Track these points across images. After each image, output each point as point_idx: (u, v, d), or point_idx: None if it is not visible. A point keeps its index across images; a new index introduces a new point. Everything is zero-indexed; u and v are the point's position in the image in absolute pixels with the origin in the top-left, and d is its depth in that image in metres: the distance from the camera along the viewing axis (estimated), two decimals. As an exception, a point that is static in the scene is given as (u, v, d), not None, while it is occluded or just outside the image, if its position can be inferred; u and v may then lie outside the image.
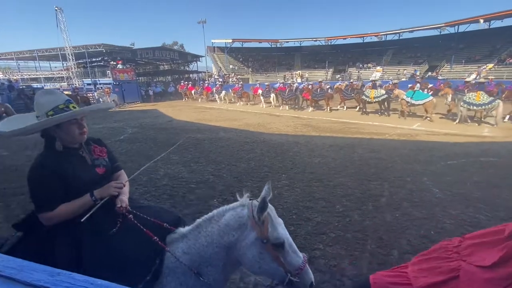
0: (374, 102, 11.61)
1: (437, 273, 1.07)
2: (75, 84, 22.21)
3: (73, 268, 1.06)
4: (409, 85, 16.23)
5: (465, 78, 16.16)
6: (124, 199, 1.35)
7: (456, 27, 28.28)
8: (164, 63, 37.13)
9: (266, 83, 18.06)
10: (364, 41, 35.18)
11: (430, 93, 10.81)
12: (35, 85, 24.61)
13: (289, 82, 17.73)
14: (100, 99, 17.22)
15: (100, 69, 23.23)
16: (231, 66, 36.36)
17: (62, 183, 1.22)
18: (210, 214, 1.33)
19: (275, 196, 3.96)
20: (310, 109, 13.79)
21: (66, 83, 24.76)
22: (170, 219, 1.42)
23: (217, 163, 5.51)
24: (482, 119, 9.00)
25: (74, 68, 23.94)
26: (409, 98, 10.29)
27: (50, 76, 30.21)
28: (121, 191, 1.36)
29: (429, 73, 26.17)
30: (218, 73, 34.78)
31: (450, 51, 27.67)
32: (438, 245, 1.15)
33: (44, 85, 25.13)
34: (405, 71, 27.40)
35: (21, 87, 17.03)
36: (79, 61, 26.36)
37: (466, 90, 9.82)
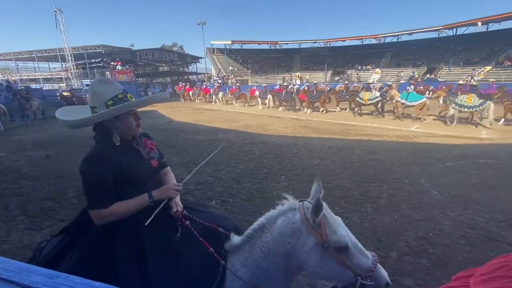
0: (368, 104, 11.77)
1: None
2: (74, 85, 22.20)
3: (138, 281, 1.04)
4: (408, 87, 16.34)
5: (464, 80, 16.30)
6: (179, 202, 1.28)
7: (455, 29, 28.48)
8: (164, 65, 37.17)
9: (263, 85, 18.23)
10: (363, 43, 35.35)
11: (431, 95, 10.88)
12: (33, 85, 24.56)
13: (285, 84, 17.85)
14: None
15: (99, 70, 23.26)
16: (230, 68, 36.43)
17: (118, 178, 1.15)
18: (259, 222, 1.22)
19: (274, 198, 3.96)
20: (307, 110, 13.93)
21: (65, 84, 24.72)
22: (228, 226, 1.33)
23: (216, 164, 5.50)
24: (480, 121, 9.06)
25: (73, 69, 23.93)
26: (404, 99, 10.48)
27: (49, 77, 30.18)
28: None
29: (428, 75, 26.30)
30: (218, 74, 34.84)
31: (448, 54, 27.84)
32: (497, 262, 1.05)
33: (43, 85, 25.08)
34: (401, 73, 27.56)
35: (19, 88, 16.99)
36: (78, 62, 26.37)
37: (459, 93, 9.95)
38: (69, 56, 22.76)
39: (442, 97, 10.33)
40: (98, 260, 1.10)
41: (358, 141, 7.42)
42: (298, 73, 33.55)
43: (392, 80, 23.62)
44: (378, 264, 1.13)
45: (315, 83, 16.44)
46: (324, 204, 1.13)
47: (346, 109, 13.62)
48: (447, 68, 26.32)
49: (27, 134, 9.47)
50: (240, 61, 38.57)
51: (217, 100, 19.75)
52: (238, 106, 17.86)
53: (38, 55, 28.11)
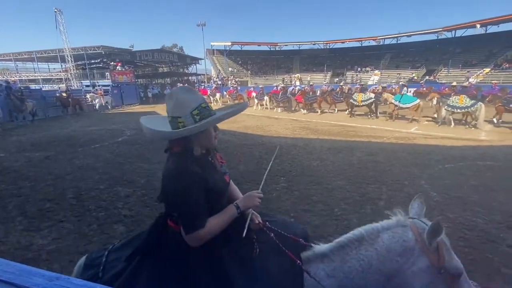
0: (362, 105, 11.91)
1: None
2: (74, 86, 22.17)
3: None
4: (413, 89, 16.52)
5: (462, 82, 16.40)
6: (255, 212, 1.21)
7: (453, 32, 28.63)
8: (163, 66, 37.19)
9: (260, 86, 18.49)
10: (362, 45, 35.46)
11: (433, 98, 10.99)
12: (33, 86, 24.53)
13: (282, 85, 18.07)
14: (93, 101, 17.15)
15: (99, 71, 23.23)
16: (230, 69, 36.48)
17: (205, 193, 1.07)
18: (356, 233, 1.14)
19: (273, 198, 3.96)
20: (304, 111, 14.07)
21: (64, 85, 24.72)
22: (299, 233, 1.25)
23: (216, 165, 5.50)
24: (475, 121, 9.15)
25: (73, 69, 23.92)
26: (397, 101, 10.67)
27: (48, 77, 30.14)
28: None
29: (427, 77, 26.39)
30: (217, 75, 34.89)
31: (447, 56, 27.97)
32: None
33: (43, 86, 25.05)
34: (399, 75, 27.72)
35: (19, 88, 16.96)
36: (78, 62, 26.32)
37: (452, 94, 10.11)
38: (69, 56, 22.74)
39: (435, 99, 10.52)
40: (174, 279, 1.05)
41: (358, 142, 7.43)
42: (297, 74, 33.63)
43: (394, 81, 23.78)
44: None
45: (311, 85, 16.73)
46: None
47: (345, 111, 13.69)
48: (446, 70, 26.42)
49: (26, 135, 9.45)
50: (240, 62, 38.64)
51: (214, 101, 19.92)
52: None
53: (38, 55, 28.07)
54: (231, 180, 1.36)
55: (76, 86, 21.91)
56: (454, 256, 1.05)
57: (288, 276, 1.08)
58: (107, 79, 21.29)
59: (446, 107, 9.25)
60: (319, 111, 13.69)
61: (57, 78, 28.32)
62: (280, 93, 15.17)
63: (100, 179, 4.86)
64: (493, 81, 15.18)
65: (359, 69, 32.21)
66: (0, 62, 32.35)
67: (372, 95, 11.92)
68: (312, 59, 37.07)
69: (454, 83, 12.11)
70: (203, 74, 38.21)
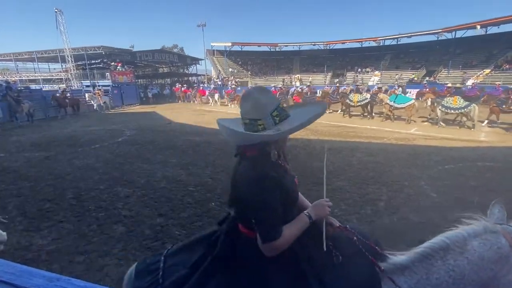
0: (357, 106, 12.07)
1: None
2: (74, 86, 22.18)
3: None
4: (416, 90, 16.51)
5: (463, 83, 16.43)
6: (331, 217, 1.15)
7: (453, 32, 28.60)
8: (164, 66, 37.20)
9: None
10: (363, 45, 35.43)
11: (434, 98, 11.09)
12: (33, 86, 24.54)
13: (279, 86, 18.23)
14: (91, 101, 17.07)
15: (99, 71, 23.24)
16: (230, 70, 36.49)
17: (282, 200, 1.02)
18: (437, 242, 1.09)
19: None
20: None
21: (65, 85, 24.73)
22: (373, 240, 1.19)
23: (215, 166, 5.50)
24: (472, 122, 9.25)
25: (73, 70, 23.93)
26: (392, 102, 10.85)
27: (48, 77, 30.16)
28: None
29: (427, 78, 26.40)
30: (218, 76, 34.92)
31: (447, 57, 27.96)
32: None
33: (43, 86, 25.06)
34: (396, 75, 27.80)
35: (15, 88, 16.93)
36: (78, 63, 26.33)
37: (447, 95, 10.25)
38: (69, 57, 22.75)
39: (430, 99, 10.70)
40: None
41: (358, 143, 7.43)
42: (297, 75, 33.64)
43: (397, 82, 23.86)
44: None
45: (308, 85, 16.97)
46: None
47: (337, 111, 13.96)
48: (446, 71, 26.43)
49: (26, 135, 9.45)
50: (240, 62, 38.64)
51: (213, 101, 20.12)
52: (233, 107, 18.09)
53: (38, 55, 28.08)
54: None
55: (76, 86, 21.91)
56: None
57: (368, 285, 1.02)
58: (108, 79, 21.29)
59: (440, 107, 9.42)
60: None
61: (58, 78, 28.35)
62: (278, 93, 15.36)
63: (100, 180, 4.86)
64: (496, 82, 15.16)
65: (359, 70, 32.21)
66: (0, 62, 32.36)
67: (368, 96, 12.08)
68: (312, 60, 37.07)
69: (449, 84, 12.29)
70: (203, 75, 38.22)
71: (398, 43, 33.39)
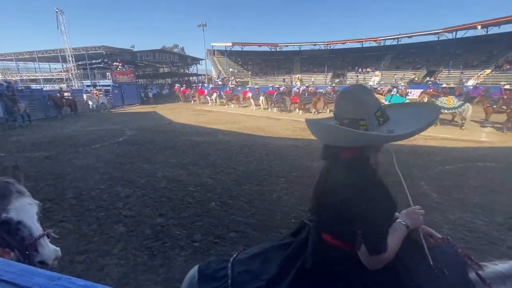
0: None
1: None
2: (74, 86, 22.22)
3: None
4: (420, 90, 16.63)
5: (464, 83, 16.42)
6: (426, 227, 1.08)
7: (454, 33, 28.59)
8: (164, 66, 37.24)
9: (256, 87, 19.16)
10: (363, 45, 35.44)
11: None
12: (34, 86, 24.59)
13: (277, 86, 18.36)
14: (89, 101, 17.02)
15: (100, 71, 23.28)
16: (230, 69, 36.53)
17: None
18: None
19: (274, 199, 3.96)
20: (299, 112, 14.32)
21: (65, 85, 24.77)
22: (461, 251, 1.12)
23: (216, 166, 5.50)
24: (463, 121, 9.36)
25: (74, 69, 23.97)
26: (387, 102, 11.09)
27: (49, 77, 30.21)
28: None
29: (427, 78, 26.38)
30: (218, 76, 34.94)
31: (448, 57, 27.96)
32: None
33: (44, 86, 25.10)
34: (395, 75, 27.83)
35: (10, 87, 16.87)
36: (79, 62, 26.39)
37: (441, 95, 10.39)
38: (70, 56, 22.80)
39: (426, 98, 11.02)
40: None
41: (358, 143, 7.42)
42: (298, 75, 33.66)
43: (400, 82, 23.88)
44: None
45: (306, 86, 17.28)
46: None
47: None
48: (447, 71, 26.41)
49: (26, 135, 9.47)
50: (240, 62, 38.69)
51: (211, 101, 20.27)
52: (232, 106, 18.27)
53: (39, 55, 28.14)
54: None
55: (77, 86, 21.95)
56: None
57: None
58: (108, 79, 21.33)
59: None
60: (314, 111, 13.99)
61: (58, 78, 28.40)
62: (275, 93, 15.54)
63: (100, 179, 4.86)
64: (501, 83, 15.09)
65: (359, 70, 32.21)
66: (1, 62, 32.41)
67: None
68: (312, 60, 37.09)
69: (444, 85, 12.52)
70: (204, 75, 38.27)
71: (399, 43, 33.40)
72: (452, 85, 14.78)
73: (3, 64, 34.33)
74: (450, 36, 29.17)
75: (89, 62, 25.32)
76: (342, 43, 35.79)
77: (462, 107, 9.06)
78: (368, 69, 31.81)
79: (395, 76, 28.04)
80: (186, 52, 50.54)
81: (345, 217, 0.93)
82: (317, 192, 1.06)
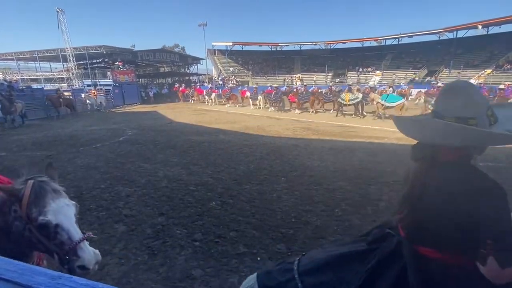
0: (349, 104, 12.44)
1: None
2: (75, 85, 22.23)
3: None
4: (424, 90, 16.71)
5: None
6: None
7: (455, 32, 28.55)
8: (165, 65, 37.25)
9: (254, 86, 19.55)
10: (364, 45, 35.42)
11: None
12: (34, 85, 24.62)
13: (275, 86, 18.43)
14: (87, 101, 16.95)
15: (101, 71, 23.32)
16: (231, 69, 36.53)
17: None
18: None
19: (274, 199, 3.96)
20: (297, 111, 14.40)
21: (66, 84, 24.80)
22: None
23: (216, 165, 5.50)
24: None
25: (75, 69, 23.99)
26: (383, 101, 11.29)
27: (50, 77, 30.26)
28: None
29: (428, 78, 26.35)
30: (218, 75, 34.94)
31: (448, 56, 27.92)
32: None
33: (44, 85, 25.13)
34: (394, 75, 27.83)
35: (19, 87, 16.92)
36: (80, 62, 26.40)
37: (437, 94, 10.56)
38: (71, 56, 22.82)
39: (422, 97, 11.35)
40: None
41: (359, 143, 7.42)
42: (298, 74, 33.63)
43: (403, 82, 23.91)
44: None
45: (304, 85, 17.44)
46: None
47: (330, 110, 14.23)
48: (447, 71, 26.36)
49: (27, 134, 9.48)
50: (241, 62, 38.68)
51: (210, 100, 20.35)
52: (228, 106, 18.38)
53: (40, 55, 28.17)
54: None
55: (77, 86, 21.97)
56: None
57: None
58: (109, 79, 21.34)
59: (429, 106, 9.87)
60: (312, 110, 14.05)
61: (59, 78, 28.44)
62: (273, 93, 15.67)
63: (101, 179, 4.87)
64: (507, 82, 15.02)
65: (360, 69, 32.18)
66: (2, 61, 32.47)
67: (360, 95, 12.42)
68: (313, 60, 37.07)
69: (439, 84, 12.77)
70: (204, 74, 38.28)
71: (399, 43, 33.39)
72: (440, 84, 14.99)
73: (4, 63, 34.39)
74: (450, 35, 29.16)
75: (89, 61, 25.34)
76: (343, 43, 35.77)
77: None
78: (369, 69, 31.78)
79: (393, 75, 28.02)
80: (186, 52, 50.58)
81: (464, 227, 0.83)
82: (412, 199, 0.95)
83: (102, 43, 23.69)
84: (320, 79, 31.86)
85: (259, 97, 16.46)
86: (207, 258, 2.66)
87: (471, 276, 0.83)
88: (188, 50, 69.64)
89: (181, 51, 48.78)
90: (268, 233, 3.08)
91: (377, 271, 0.94)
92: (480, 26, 25.57)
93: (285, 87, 20.17)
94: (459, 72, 24.25)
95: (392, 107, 11.04)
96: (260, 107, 16.51)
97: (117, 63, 23.13)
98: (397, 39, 32.93)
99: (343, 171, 5.12)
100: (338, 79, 30.53)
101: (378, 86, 19.00)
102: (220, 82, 30.09)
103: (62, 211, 1.11)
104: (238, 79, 32.12)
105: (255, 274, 1.08)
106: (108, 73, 21.79)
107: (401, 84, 22.43)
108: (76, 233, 1.10)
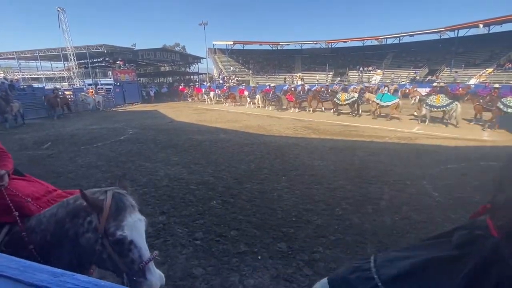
0: (345, 104, 12.53)
1: None
2: (76, 84, 22.24)
3: None
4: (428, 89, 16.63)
5: (465, 82, 16.37)
6: None
7: (456, 31, 28.42)
8: (165, 65, 37.22)
9: (252, 85, 19.51)
10: (365, 44, 35.30)
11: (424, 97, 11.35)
12: (35, 84, 24.64)
13: (273, 85, 18.44)
14: (85, 100, 16.89)
15: (101, 70, 23.30)
16: (232, 68, 36.46)
17: None
18: None
19: (275, 198, 3.96)
20: (295, 110, 14.48)
21: (67, 83, 24.82)
22: None
23: (217, 164, 5.51)
24: (454, 119, 9.39)
25: (75, 68, 23.99)
26: (378, 100, 11.40)
27: (51, 76, 30.27)
28: None
29: (429, 77, 26.26)
30: (219, 74, 34.90)
31: (449, 55, 27.78)
32: None
33: (45, 85, 25.15)
34: (392, 75, 27.80)
35: (21, 87, 16.91)
36: (81, 61, 26.39)
37: (433, 94, 10.63)
38: (72, 55, 22.81)
39: (418, 97, 11.24)
40: None
41: (360, 142, 7.41)
42: (299, 73, 33.54)
43: (407, 81, 23.87)
44: None
45: (301, 85, 17.63)
46: None
47: (330, 110, 14.22)
48: (449, 70, 26.26)
49: (28, 133, 9.50)
50: (242, 61, 38.59)
51: (208, 99, 20.51)
52: (227, 105, 18.46)
53: (41, 54, 28.15)
54: None
55: (78, 85, 21.97)
56: None
57: None
58: (110, 78, 21.34)
59: (424, 105, 9.85)
60: (310, 109, 14.11)
61: (60, 77, 28.45)
62: (271, 92, 15.76)
63: (102, 177, 4.88)
64: (511, 82, 14.97)
65: (361, 68, 32.09)
66: (3, 60, 32.51)
67: (356, 95, 12.52)
68: (314, 59, 36.96)
69: (435, 84, 12.82)
70: (205, 73, 38.22)
71: (400, 42, 33.25)
72: (442, 84, 14.93)
73: (5, 62, 34.44)
74: (452, 34, 29.03)
75: (90, 60, 25.31)
76: (344, 42, 35.65)
77: (451, 105, 9.29)
78: (370, 68, 31.67)
79: (392, 75, 27.94)
80: (187, 51, 50.51)
81: None
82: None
83: (103, 42, 23.67)
84: (321, 78, 31.77)
85: (257, 96, 16.62)
86: (208, 257, 2.66)
87: None
88: (189, 49, 69.47)
89: (181, 50, 48.72)
90: (268, 232, 3.09)
91: (475, 279, 0.85)
92: (481, 25, 25.45)
93: (287, 86, 20.23)
94: (456, 72, 24.20)
95: (387, 106, 11.15)
96: (258, 106, 16.73)
97: (118, 62, 23.12)
98: (398, 38, 32.80)
99: (343, 170, 5.11)
100: (339, 78, 30.44)
101: (381, 85, 18.95)
102: (221, 81, 30.06)
103: (136, 227, 1.03)
104: (238, 78, 32.06)
105: (325, 280, 1.00)
106: (109, 72, 21.76)
107: (405, 83, 22.40)
108: (146, 251, 1.02)
